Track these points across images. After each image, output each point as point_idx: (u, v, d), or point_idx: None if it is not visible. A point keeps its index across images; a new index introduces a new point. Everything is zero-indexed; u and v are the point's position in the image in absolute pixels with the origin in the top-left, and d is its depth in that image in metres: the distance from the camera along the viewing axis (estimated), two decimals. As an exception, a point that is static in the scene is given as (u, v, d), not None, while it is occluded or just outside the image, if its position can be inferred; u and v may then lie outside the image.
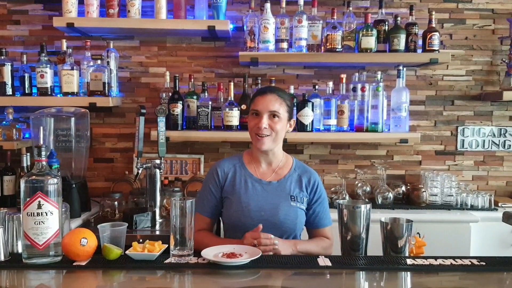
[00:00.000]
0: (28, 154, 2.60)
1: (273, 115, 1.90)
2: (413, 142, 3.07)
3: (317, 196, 1.99)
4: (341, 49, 2.85)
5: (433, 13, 2.91)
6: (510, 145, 3.15)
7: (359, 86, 2.89)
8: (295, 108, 2.87)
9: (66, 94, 2.81)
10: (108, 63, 2.88)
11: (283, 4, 2.86)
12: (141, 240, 1.64)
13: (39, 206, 1.49)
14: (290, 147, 3.08)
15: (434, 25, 2.89)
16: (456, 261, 1.58)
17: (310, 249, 1.89)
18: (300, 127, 2.86)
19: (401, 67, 2.89)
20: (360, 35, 2.85)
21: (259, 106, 1.91)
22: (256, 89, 2.92)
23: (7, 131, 2.81)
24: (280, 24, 2.84)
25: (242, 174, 1.98)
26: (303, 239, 2.02)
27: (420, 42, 2.90)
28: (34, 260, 1.51)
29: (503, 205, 2.90)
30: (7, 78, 2.81)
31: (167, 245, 1.61)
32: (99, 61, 2.80)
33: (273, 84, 2.90)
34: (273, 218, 1.88)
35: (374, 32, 2.84)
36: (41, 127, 1.77)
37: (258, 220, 1.84)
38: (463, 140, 3.16)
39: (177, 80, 2.90)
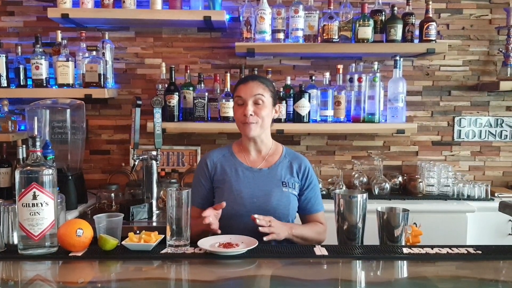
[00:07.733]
0: (24, 146, 2.58)
1: (257, 101, 1.90)
2: (409, 133, 3.07)
3: (309, 182, 1.99)
4: (338, 40, 2.84)
5: (430, 3, 2.90)
6: (506, 135, 3.16)
7: (356, 76, 2.88)
8: (291, 99, 2.87)
9: (61, 85, 2.79)
10: (103, 54, 2.86)
11: (280, -6, 2.85)
12: (137, 231, 1.64)
13: (34, 197, 1.48)
14: (287, 138, 3.08)
15: (431, 15, 2.88)
16: (453, 250, 1.58)
17: (305, 233, 1.89)
18: (297, 118, 2.85)
19: (398, 58, 2.88)
20: (357, 25, 2.83)
21: (242, 93, 1.92)
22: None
23: (2, 123, 2.79)
24: (276, 14, 2.82)
25: (232, 163, 1.99)
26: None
27: (417, 32, 2.89)
28: (30, 251, 1.50)
29: (499, 195, 2.90)
30: (2, 70, 2.79)
31: (163, 236, 1.61)
32: (94, 53, 2.78)
33: (269, 75, 2.90)
34: (266, 205, 1.88)
35: (371, 22, 2.83)
36: (35, 118, 1.76)
37: (250, 207, 1.84)
38: (460, 130, 3.16)
39: (173, 71, 2.89)
